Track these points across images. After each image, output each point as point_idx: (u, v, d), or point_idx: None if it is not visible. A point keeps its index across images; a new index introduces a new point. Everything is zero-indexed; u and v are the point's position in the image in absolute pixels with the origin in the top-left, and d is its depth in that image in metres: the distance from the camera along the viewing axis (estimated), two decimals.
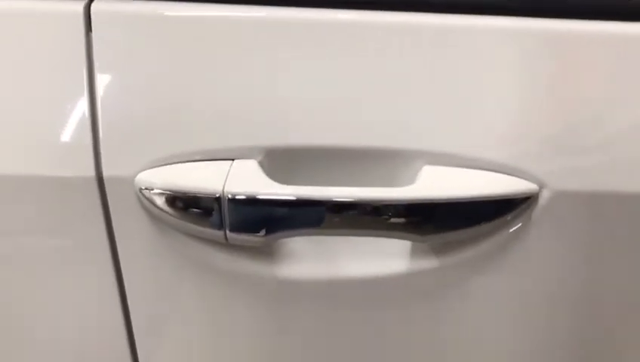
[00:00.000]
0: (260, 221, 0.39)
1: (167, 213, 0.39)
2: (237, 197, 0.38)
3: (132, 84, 0.39)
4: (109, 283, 0.43)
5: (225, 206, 0.38)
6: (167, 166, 0.40)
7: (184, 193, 0.39)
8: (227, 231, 0.39)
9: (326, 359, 0.47)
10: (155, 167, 0.40)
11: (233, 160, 0.40)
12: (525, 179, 0.40)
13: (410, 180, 0.41)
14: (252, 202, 0.38)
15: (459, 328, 0.45)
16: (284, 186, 0.39)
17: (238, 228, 0.39)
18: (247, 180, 0.39)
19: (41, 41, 0.39)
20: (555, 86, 0.39)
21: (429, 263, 0.42)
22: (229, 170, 0.39)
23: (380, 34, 0.39)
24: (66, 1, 0.39)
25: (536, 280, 0.43)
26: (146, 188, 0.39)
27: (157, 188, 0.39)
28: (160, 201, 0.39)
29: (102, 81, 0.39)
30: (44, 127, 0.39)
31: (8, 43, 0.39)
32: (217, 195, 0.38)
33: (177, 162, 0.40)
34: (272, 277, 0.42)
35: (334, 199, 0.38)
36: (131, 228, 0.41)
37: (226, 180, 0.39)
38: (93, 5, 0.39)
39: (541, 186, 0.40)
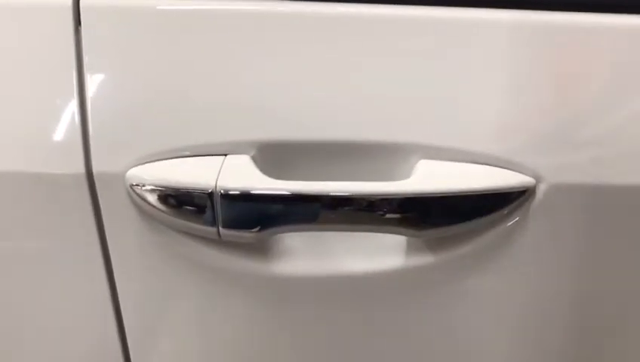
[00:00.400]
0: (254, 217, 0.38)
1: (158, 209, 0.39)
2: (230, 192, 0.38)
3: (122, 79, 0.39)
4: (100, 281, 0.42)
5: (217, 202, 0.38)
6: (159, 162, 0.39)
7: (176, 189, 0.38)
8: (220, 228, 0.38)
9: (320, 355, 0.46)
10: (146, 162, 0.39)
11: (226, 155, 0.40)
12: (522, 172, 0.40)
13: (406, 174, 0.40)
14: (245, 198, 0.38)
15: (456, 323, 0.45)
16: (278, 181, 0.38)
17: (231, 224, 0.38)
18: (240, 175, 0.38)
19: (30, 36, 0.38)
20: (552, 79, 0.39)
21: (425, 259, 0.42)
22: (221, 166, 0.39)
23: (374, 27, 0.39)
24: None
25: (533, 274, 0.43)
26: (137, 185, 0.39)
27: (148, 185, 0.38)
28: (151, 198, 0.39)
29: (91, 76, 0.38)
30: (33, 123, 0.39)
31: None
32: (210, 191, 0.38)
33: (169, 158, 0.39)
34: (265, 273, 0.42)
35: (329, 194, 0.38)
36: (122, 225, 0.40)
37: (218, 175, 0.38)
38: None
39: (538, 180, 0.40)
